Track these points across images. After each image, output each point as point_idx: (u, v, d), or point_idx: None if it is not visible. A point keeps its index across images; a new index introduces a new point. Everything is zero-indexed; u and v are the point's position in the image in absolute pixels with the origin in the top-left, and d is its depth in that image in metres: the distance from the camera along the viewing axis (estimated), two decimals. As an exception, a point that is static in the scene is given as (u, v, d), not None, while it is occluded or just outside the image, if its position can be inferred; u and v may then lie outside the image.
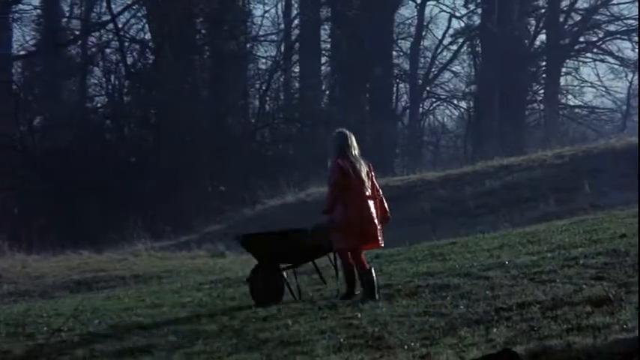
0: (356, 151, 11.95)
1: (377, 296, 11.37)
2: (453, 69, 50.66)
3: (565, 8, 50.40)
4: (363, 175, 11.83)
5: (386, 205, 12.03)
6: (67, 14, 45.02)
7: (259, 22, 45.50)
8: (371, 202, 11.79)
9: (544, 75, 51.13)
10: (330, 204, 11.83)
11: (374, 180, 11.99)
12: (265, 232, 13.57)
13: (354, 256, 11.75)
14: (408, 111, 49.81)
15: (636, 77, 48.14)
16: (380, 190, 12.02)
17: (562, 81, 51.74)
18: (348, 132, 12.07)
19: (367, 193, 11.77)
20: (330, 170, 12.01)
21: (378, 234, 11.75)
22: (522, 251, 13.24)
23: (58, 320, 11.94)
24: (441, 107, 52.31)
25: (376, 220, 11.74)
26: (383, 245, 12.08)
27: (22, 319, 12.18)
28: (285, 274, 12.35)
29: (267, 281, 12.16)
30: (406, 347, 8.78)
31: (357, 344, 9.19)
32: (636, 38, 46.19)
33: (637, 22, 44.99)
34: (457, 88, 50.59)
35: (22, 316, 12.65)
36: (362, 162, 11.93)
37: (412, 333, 9.39)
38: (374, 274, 11.60)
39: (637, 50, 46.98)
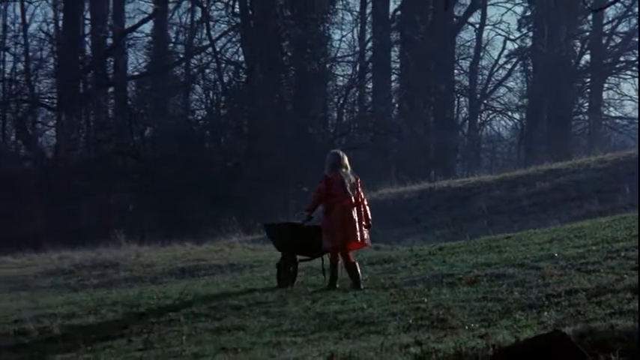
0: (345, 168, 12.66)
1: (361, 286, 11.91)
2: (508, 85, 50.50)
3: (607, 32, 49.87)
4: (348, 187, 12.45)
5: (369, 213, 12.62)
6: (173, 40, 45.48)
7: (337, 45, 45.63)
8: (354, 209, 12.40)
9: (588, 90, 50.62)
10: (313, 204, 12.66)
11: (359, 190, 12.59)
12: (280, 222, 14.61)
13: (342, 254, 12.32)
14: (467, 122, 49.64)
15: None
16: (365, 200, 12.66)
17: (604, 95, 51.30)
18: (341, 152, 12.98)
19: (351, 201, 12.38)
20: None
21: (360, 235, 12.37)
22: (570, 245, 13.08)
23: (167, 302, 12.06)
24: (497, 118, 52.12)
25: (357, 224, 12.34)
26: (369, 244, 12.94)
27: (137, 301, 12.34)
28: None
29: (286, 268, 12.79)
30: (467, 328, 8.72)
31: (424, 325, 9.16)
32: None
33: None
34: (511, 101, 50.41)
35: (137, 297, 12.82)
36: (350, 176, 12.58)
37: (472, 315, 9.33)
38: (358, 269, 12.18)
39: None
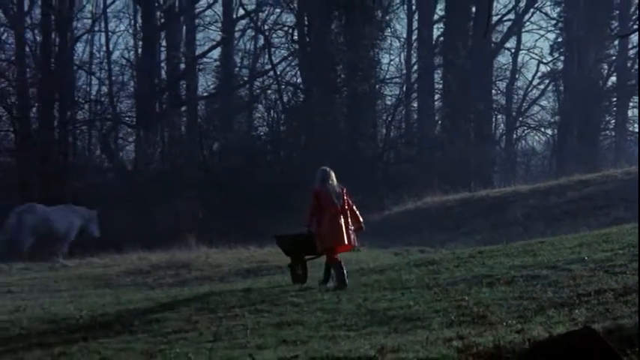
0: (332, 181, 13.47)
1: (346, 281, 12.64)
2: (541, 103, 50.10)
3: (632, 56, 49.29)
4: (334, 197, 13.20)
5: (360, 217, 13.43)
6: (239, 65, 45.76)
7: (386, 68, 45.55)
8: (341, 216, 13.14)
9: (614, 108, 50.02)
10: (308, 218, 13.39)
11: (345, 199, 13.31)
12: (284, 234, 15.45)
13: (334, 254, 13.04)
14: (504, 137, 49.34)
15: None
16: (354, 206, 13.43)
17: (629, 113, 50.59)
18: (328, 169, 13.78)
19: (338, 210, 13.13)
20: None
21: (347, 238, 13.11)
22: (598, 249, 12.95)
23: (233, 299, 12.12)
24: (531, 134, 51.65)
25: (344, 229, 13.07)
26: (356, 245, 13.66)
27: (206, 298, 12.41)
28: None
29: (295, 269, 13.87)
30: (505, 324, 8.67)
31: (465, 321, 9.11)
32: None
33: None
34: (544, 118, 49.99)
35: (206, 295, 12.89)
36: (336, 188, 13.36)
37: (509, 313, 9.26)
38: (344, 268, 12.87)
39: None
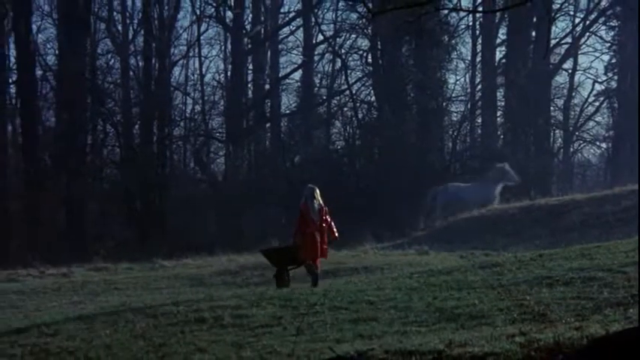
0: (315, 199, 14.45)
1: (317, 283, 14.11)
2: (596, 119, 49.15)
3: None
4: (315, 215, 14.34)
5: (335, 231, 14.62)
6: (318, 85, 45.94)
7: (452, 88, 45.17)
8: (318, 232, 14.34)
9: (666, 122, 48.83)
10: (296, 232, 14.53)
11: (324, 216, 14.46)
12: (269, 248, 16.90)
13: (314, 262, 14.43)
14: (562, 150, 48.56)
15: None
16: (331, 222, 14.57)
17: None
18: (314, 187, 14.73)
19: (315, 226, 14.31)
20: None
21: (321, 252, 14.47)
22: (651, 253, 12.64)
23: (313, 297, 12.13)
24: (587, 147, 50.75)
25: (319, 244, 14.35)
26: (326, 256, 14.82)
27: (289, 296, 12.43)
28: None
29: (281, 276, 14.87)
30: (564, 321, 8.52)
31: (527, 319, 8.98)
32: None
33: None
34: (599, 133, 49.04)
35: (289, 293, 12.91)
36: (315, 207, 14.40)
37: (568, 311, 9.11)
38: (317, 273, 14.42)
39: None
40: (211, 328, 10.58)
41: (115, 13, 42.42)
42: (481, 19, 44.44)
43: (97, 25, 41.37)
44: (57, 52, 40.16)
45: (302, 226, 14.42)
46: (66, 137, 37.64)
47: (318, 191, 14.57)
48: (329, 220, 14.55)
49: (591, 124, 49.14)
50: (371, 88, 43.56)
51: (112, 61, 42.08)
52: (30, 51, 38.66)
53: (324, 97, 45.19)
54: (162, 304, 12.78)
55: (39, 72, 40.03)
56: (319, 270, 14.73)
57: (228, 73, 43.98)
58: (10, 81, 39.40)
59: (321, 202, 14.56)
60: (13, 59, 39.30)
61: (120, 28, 42.54)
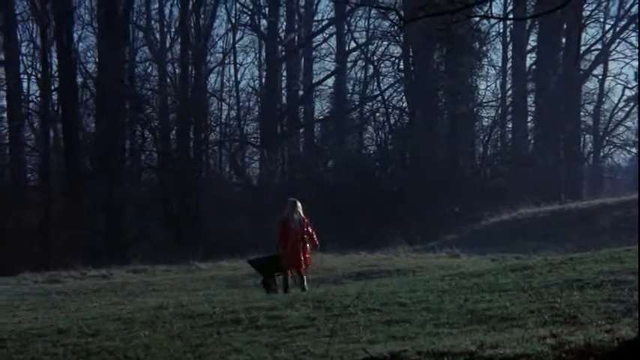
0: (296, 212, 15.16)
1: (307, 289, 14.72)
2: (626, 124, 48.57)
3: None
4: (294, 226, 15.08)
5: (316, 239, 15.47)
6: (350, 91, 45.96)
7: (483, 93, 44.97)
8: (300, 244, 15.07)
9: (696, 127, 48.21)
10: (279, 241, 15.33)
11: (305, 229, 15.20)
12: (255, 258, 17.19)
13: (298, 271, 15.31)
14: (592, 155, 48.14)
15: None
16: (313, 232, 15.35)
17: None
18: (295, 200, 15.41)
19: (297, 238, 15.04)
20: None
21: (304, 261, 15.23)
22: (682, 257, 12.46)
23: (347, 299, 12.11)
24: (617, 152, 50.27)
25: (302, 254, 15.10)
26: (310, 265, 15.62)
27: (322, 297, 12.42)
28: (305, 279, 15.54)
29: (269, 283, 15.61)
30: (594, 324, 8.43)
31: (558, 321, 8.90)
32: None
33: None
34: (629, 138, 48.47)
35: (323, 295, 12.89)
36: (299, 219, 15.14)
37: (599, 314, 9.01)
38: (305, 280, 15.24)
39: None
40: (247, 329, 10.60)
41: (152, 22, 42.86)
42: (512, 26, 44.18)
43: (136, 33, 41.79)
44: (97, 60, 40.62)
45: (284, 236, 15.17)
46: (105, 142, 38.03)
47: (299, 204, 15.28)
48: (310, 230, 15.30)
49: (621, 129, 48.65)
50: (403, 94, 43.48)
51: (150, 68, 42.45)
52: (71, 59, 39.16)
53: (357, 103, 45.20)
54: (198, 306, 12.84)
55: (79, 79, 40.56)
56: (305, 277, 15.50)
57: (263, 80, 44.16)
58: (52, 88, 39.89)
59: (302, 214, 15.26)
60: (55, 67, 39.81)
61: (158, 36, 42.93)
